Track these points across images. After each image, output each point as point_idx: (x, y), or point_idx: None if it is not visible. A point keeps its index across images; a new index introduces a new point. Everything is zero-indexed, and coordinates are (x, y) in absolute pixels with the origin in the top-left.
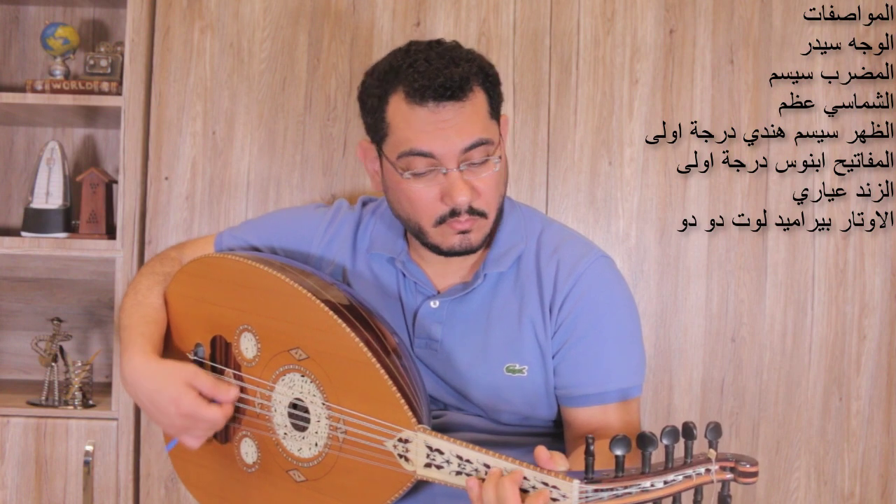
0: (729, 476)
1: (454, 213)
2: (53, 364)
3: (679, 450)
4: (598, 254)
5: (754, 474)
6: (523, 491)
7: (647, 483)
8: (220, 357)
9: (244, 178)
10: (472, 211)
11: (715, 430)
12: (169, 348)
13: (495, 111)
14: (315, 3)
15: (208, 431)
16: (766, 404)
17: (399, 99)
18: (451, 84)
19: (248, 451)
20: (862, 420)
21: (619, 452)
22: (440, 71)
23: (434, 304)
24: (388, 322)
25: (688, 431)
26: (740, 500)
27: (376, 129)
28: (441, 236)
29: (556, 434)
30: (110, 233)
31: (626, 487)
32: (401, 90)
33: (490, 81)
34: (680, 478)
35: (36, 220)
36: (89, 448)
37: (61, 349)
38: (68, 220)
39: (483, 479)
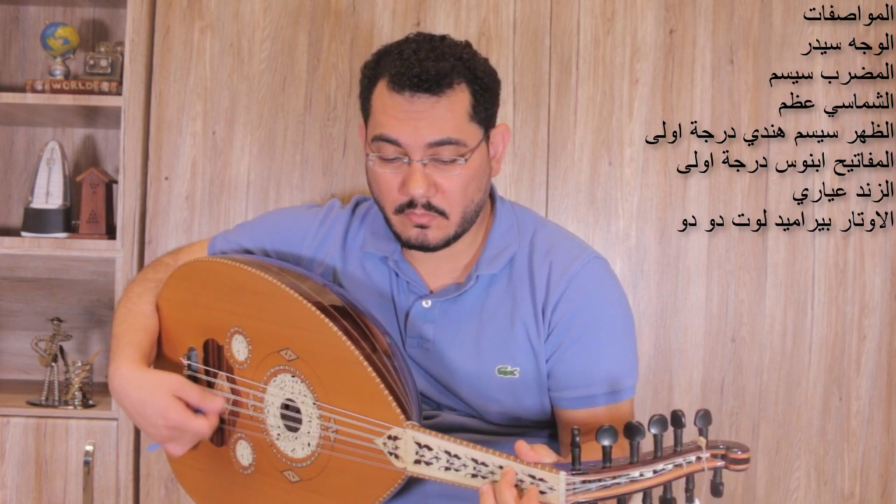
0: (720, 463)
1: (412, 205)
2: (53, 364)
3: (669, 440)
4: (591, 255)
5: (746, 461)
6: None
7: (635, 473)
8: (212, 360)
9: (244, 178)
10: (430, 206)
11: (704, 418)
12: (163, 353)
13: (479, 115)
14: (315, 3)
15: (193, 440)
16: (766, 404)
17: (383, 84)
18: (426, 76)
19: (243, 453)
20: (862, 420)
21: (605, 443)
22: (421, 62)
23: (426, 303)
24: (379, 321)
25: (676, 419)
26: (740, 499)
27: (364, 110)
28: (401, 225)
29: (551, 435)
30: (110, 233)
31: (614, 478)
32: (385, 75)
33: (480, 84)
34: (670, 466)
35: (36, 220)
36: (89, 448)
37: (61, 349)
38: (68, 220)
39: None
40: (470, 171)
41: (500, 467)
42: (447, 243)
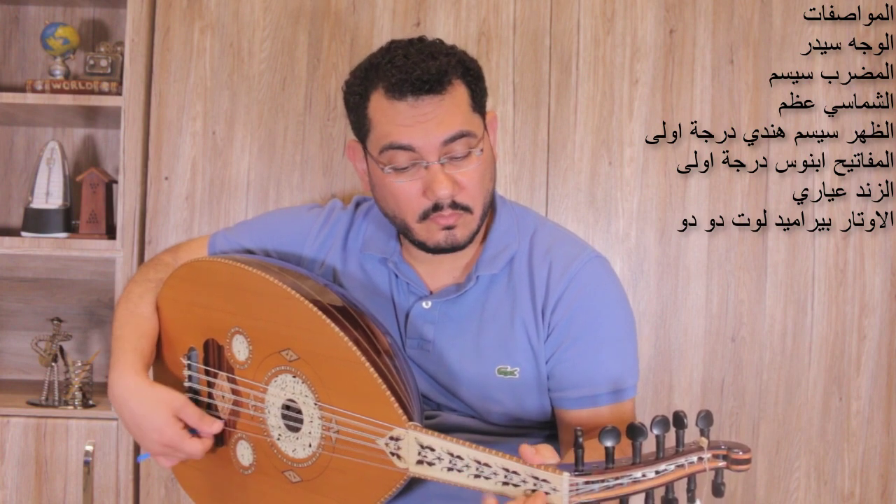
0: (722, 464)
1: (437, 208)
2: (53, 364)
3: (671, 440)
4: (591, 254)
5: (747, 461)
6: (514, 486)
7: (638, 473)
8: (213, 360)
9: (244, 178)
10: (455, 205)
11: (706, 419)
12: (162, 353)
13: (478, 105)
14: (315, 3)
15: (185, 459)
16: (766, 404)
17: (379, 95)
18: (427, 77)
19: (243, 453)
20: (862, 420)
21: (608, 444)
22: (417, 65)
23: (426, 304)
24: (380, 321)
25: (678, 420)
26: (740, 499)
27: (360, 127)
28: (427, 232)
29: (551, 435)
30: (110, 233)
31: (617, 479)
32: (380, 86)
33: (471, 75)
34: (672, 467)
35: (36, 220)
36: (89, 448)
37: (61, 349)
38: (68, 220)
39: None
40: (484, 162)
41: (504, 468)
42: (472, 239)
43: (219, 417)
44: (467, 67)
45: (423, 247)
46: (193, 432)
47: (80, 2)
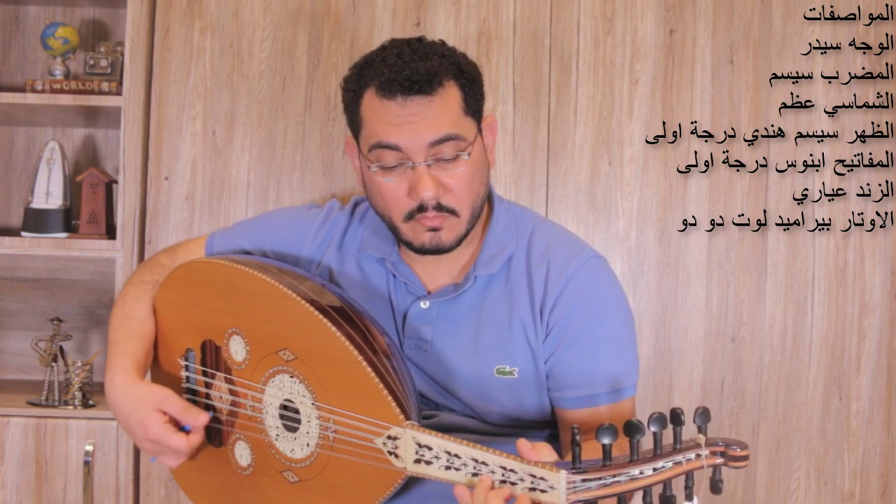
0: (720, 461)
1: (422, 209)
2: (53, 364)
3: (669, 438)
4: (589, 254)
5: (745, 458)
6: (512, 484)
7: (635, 471)
8: (210, 361)
9: (244, 178)
10: (440, 207)
11: (703, 416)
12: (159, 355)
13: (472, 108)
14: (315, 3)
15: (177, 456)
16: (766, 404)
17: (371, 93)
18: (417, 77)
19: (241, 453)
20: (862, 420)
21: (605, 441)
22: (408, 64)
23: (424, 304)
24: (378, 322)
25: (675, 417)
26: (740, 499)
27: (353, 123)
28: (412, 232)
29: (551, 435)
30: (110, 233)
31: (614, 476)
32: (372, 84)
33: (466, 78)
34: (669, 464)
35: (36, 220)
36: (89, 448)
37: (61, 349)
38: (68, 220)
39: (472, 485)
40: (473, 166)
41: (501, 466)
42: (459, 242)
43: (215, 416)
44: (462, 70)
45: (410, 246)
46: (188, 430)
47: (80, 2)
